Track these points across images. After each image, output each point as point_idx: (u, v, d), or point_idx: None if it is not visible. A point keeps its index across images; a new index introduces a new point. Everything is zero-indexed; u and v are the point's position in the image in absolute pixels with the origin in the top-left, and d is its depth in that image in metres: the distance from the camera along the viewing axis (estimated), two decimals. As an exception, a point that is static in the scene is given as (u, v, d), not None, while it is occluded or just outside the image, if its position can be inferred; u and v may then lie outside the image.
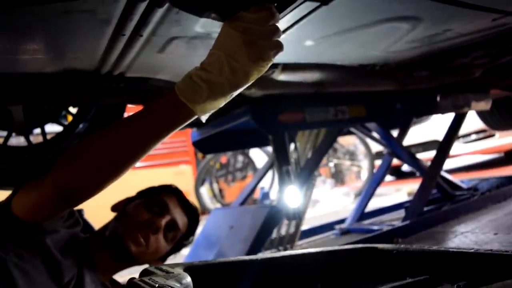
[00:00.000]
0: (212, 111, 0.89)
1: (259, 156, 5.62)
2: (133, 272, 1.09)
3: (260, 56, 0.82)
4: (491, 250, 0.80)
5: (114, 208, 1.45)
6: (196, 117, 0.89)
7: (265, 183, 4.80)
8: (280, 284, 0.86)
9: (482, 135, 4.75)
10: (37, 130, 1.63)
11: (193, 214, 1.49)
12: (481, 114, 3.41)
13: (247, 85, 0.86)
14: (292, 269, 0.90)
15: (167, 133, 0.93)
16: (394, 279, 0.85)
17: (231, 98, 0.88)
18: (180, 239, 1.44)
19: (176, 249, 1.47)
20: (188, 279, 0.71)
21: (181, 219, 1.43)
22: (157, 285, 0.62)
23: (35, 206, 1.06)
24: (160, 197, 1.42)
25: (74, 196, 1.02)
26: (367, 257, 0.96)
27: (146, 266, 0.83)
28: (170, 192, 1.47)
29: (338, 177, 7.48)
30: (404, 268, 0.89)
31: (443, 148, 2.60)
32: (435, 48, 1.60)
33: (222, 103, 0.88)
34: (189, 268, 0.79)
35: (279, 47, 0.83)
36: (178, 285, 0.65)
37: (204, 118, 0.90)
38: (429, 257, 0.88)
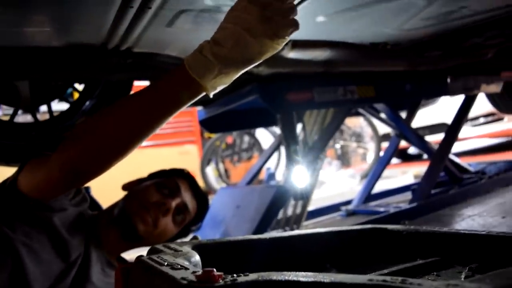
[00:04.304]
0: (221, 87, 0.88)
1: (265, 137, 5.60)
2: (141, 251, 1.09)
3: (277, 33, 0.81)
4: (503, 233, 0.78)
5: (125, 187, 1.45)
6: (204, 93, 0.88)
7: (271, 164, 4.78)
8: (289, 264, 0.85)
9: (491, 118, 4.70)
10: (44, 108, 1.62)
11: (202, 200, 1.49)
12: (491, 97, 3.35)
13: (259, 62, 0.85)
14: (301, 249, 0.89)
15: (175, 109, 0.92)
16: (404, 260, 0.84)
17: (240, 74, 0.86)
18: (187, 224, 1.45)
19: (183, 233, 1.48)
20: (196, 257, 0.70)
21: (191, 203, 1.43)
22: (165, 263, 0.61)
23: (42, 184, 1.06)
24: (172, 180, 1.42)
25: (81, 175, 1.01)
26: (376, 238, 0.94)
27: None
28: (181, 176, 1.47)
29: (344, 159, 7.45)
30: (414, 249, 0.88)
31: (452, 130, 2.57)
32: (450, 26, 1.57)
33: (232, 79, 0.87)
34: (198, 246, 0.78)
35: (295, 25, 0.83)
36: (187, 263, 0.64)
37: (212, 94, 0.89)
38: (440, 239, 0.86)
